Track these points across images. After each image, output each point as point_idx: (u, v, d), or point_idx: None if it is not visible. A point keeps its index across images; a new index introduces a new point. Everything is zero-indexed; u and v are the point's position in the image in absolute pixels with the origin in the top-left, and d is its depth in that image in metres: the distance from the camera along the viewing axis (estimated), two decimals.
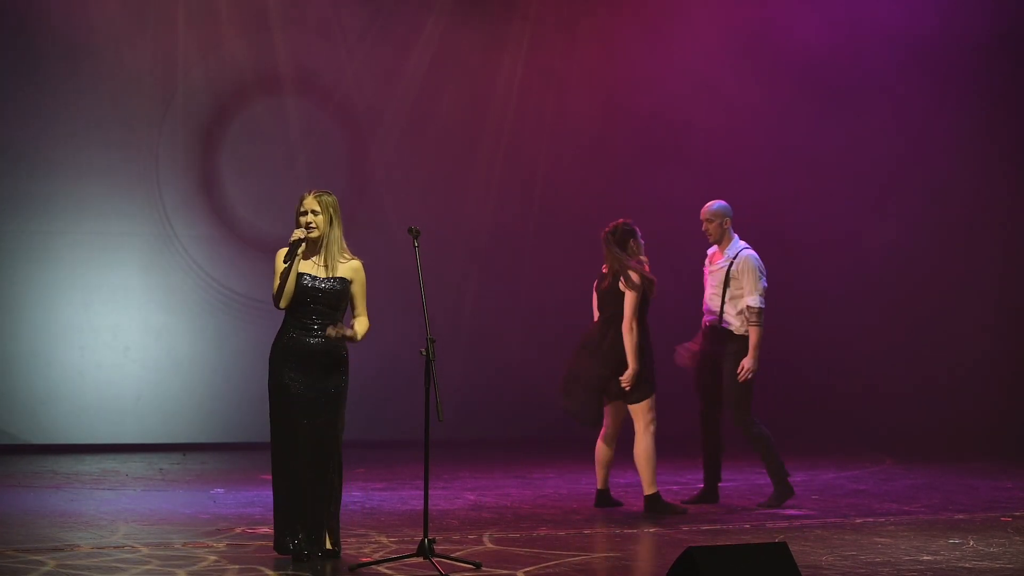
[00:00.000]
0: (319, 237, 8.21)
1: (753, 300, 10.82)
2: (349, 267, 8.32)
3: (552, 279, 16.02)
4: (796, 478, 12.75)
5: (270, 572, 7.83)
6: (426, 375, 8.13)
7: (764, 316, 10.85)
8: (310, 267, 8.20)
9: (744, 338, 10.88)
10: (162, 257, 15.09)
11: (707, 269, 11.25)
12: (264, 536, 9.06)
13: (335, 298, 8.24)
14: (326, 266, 8.23)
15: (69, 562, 8.07)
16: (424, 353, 8.11)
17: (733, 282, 10.92)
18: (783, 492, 10.83)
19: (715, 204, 11.17)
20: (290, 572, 7.84)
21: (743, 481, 12.58)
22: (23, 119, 14.61)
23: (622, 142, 16.47)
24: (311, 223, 8.17)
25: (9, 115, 14.59)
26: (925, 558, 8.45)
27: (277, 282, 8.15)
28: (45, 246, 14.71)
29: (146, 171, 15.03)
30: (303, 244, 8.18)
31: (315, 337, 8.19)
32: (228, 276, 15.25)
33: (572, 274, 15.73)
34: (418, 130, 15.99)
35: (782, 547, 6.78)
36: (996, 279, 16.01)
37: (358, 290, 8.33)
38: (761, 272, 10.94)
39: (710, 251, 11.29)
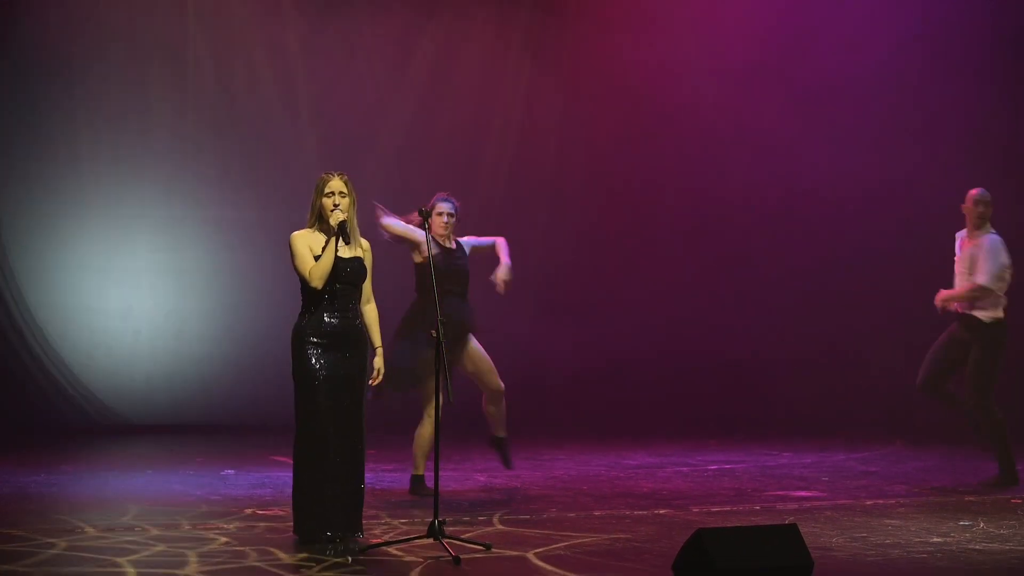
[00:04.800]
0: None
1: (980, 277, 10.96)
2: (363, 246, 8.37)
3: (560, 262, 16.06)
4: (805, 460, 12.78)
5: (280, 553, 7.84)
6: (436, 357, 8.14)
7: (993, 298, 11.00)
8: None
9: (991, 326, 11.00)
10: (173, 239, 15.11)
11: (957, 256, 11.25)
12: (274, 517, 9.07)
13: (359, 276, 8.30)
14: (348, 246, 8.25)
15: (79, 543, 8.09)
16: (435, 335, 8.12)
17: (973, 266, 11.07)
18: (1008, 478, 10.88)
19: (983, 190, 11.20)
20: (302, 554, 7.84)
21: (752, 463, 12.59)
22: (33, 104, 14.64)
23: (634, 136, 16.48)
24: (338, 204, 8.20)
25: (20, 100, 14.61)
26: (935, 540, 8.44)
27: (308, 264, 8.15)
28: (55, 229, 14.74)
29: (156, 154, 15.05)
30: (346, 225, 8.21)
31: (338, 316, 8.22)
32: (238, 258, 15.27)
33: (579, 258, 15.79)
34: (428, 115, 16.00)
35: (792, 529, 6.78)
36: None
37: (368, 270, 8.38)
38: (996, 256, 11.00)
39: (960, 236, 11.26)
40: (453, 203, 10.40)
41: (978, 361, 10.98)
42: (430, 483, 10.10)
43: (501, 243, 10.63)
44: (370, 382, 8.45)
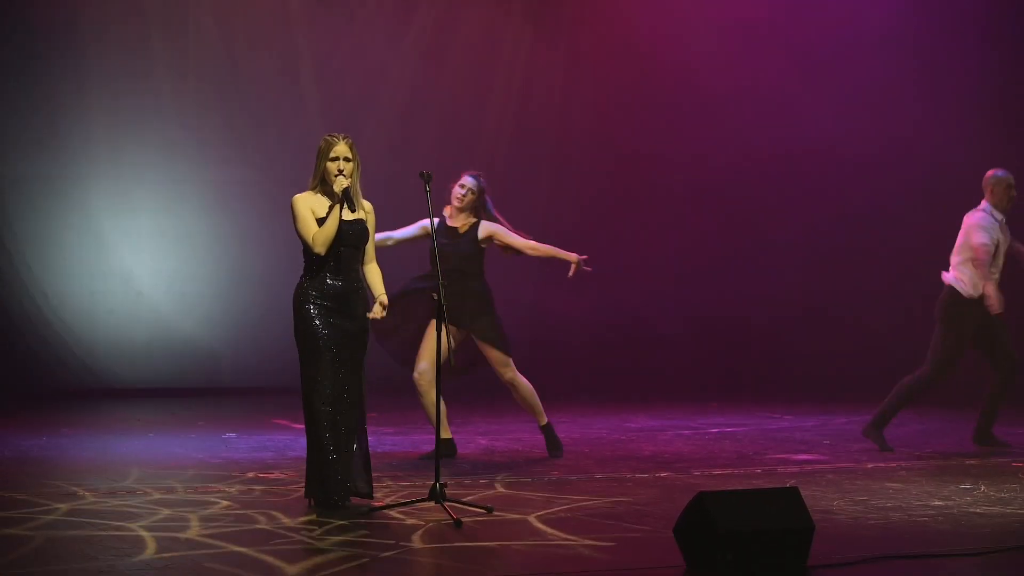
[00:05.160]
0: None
1: None
2: (366, 208, 8.33)
3: (562, 226, 16.03)
4: (807, 423, 12.79)
5: (283, 516, 7.84)
6: (437, 320, 8.13)
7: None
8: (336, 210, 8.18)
9: None
10: (175, 201, 15.10)
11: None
12: (276, 481, 9.08)
13: (361, 239, 8.26)
14: (351, 208, 8.21)
15: (81, 507, 8.09)
16: (436, 298, 8.11)
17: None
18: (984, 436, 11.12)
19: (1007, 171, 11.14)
20: (304, 517, 7.85)
21: (754, 426, 12.60)
22: (33, 65, 14.61)
23: (636, 98, 16.46)
24: (342, 170, 8.15)
25: (24, 64, 14.59)
26: (936, 503, 8.44)
27: (310, 227, 8.10)
28: (58, 191, 14.73)
29: (159, 117, 15.02)
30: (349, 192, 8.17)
31: (341, 279, 8.19)
32: (240, 221, 15.26)
33: (580, 222, 15.78)
34: (431, 78, 15.97)
35: (793, 492, 6.77)
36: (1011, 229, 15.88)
37: (371, 231, 8.34)
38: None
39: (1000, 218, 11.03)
40: (477, 179, 10.29)
41: (1005, 325, 11.00)
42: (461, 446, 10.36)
43: (553, 249, 10.46)
44: (369, 315, 8.33)
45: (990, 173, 11.07)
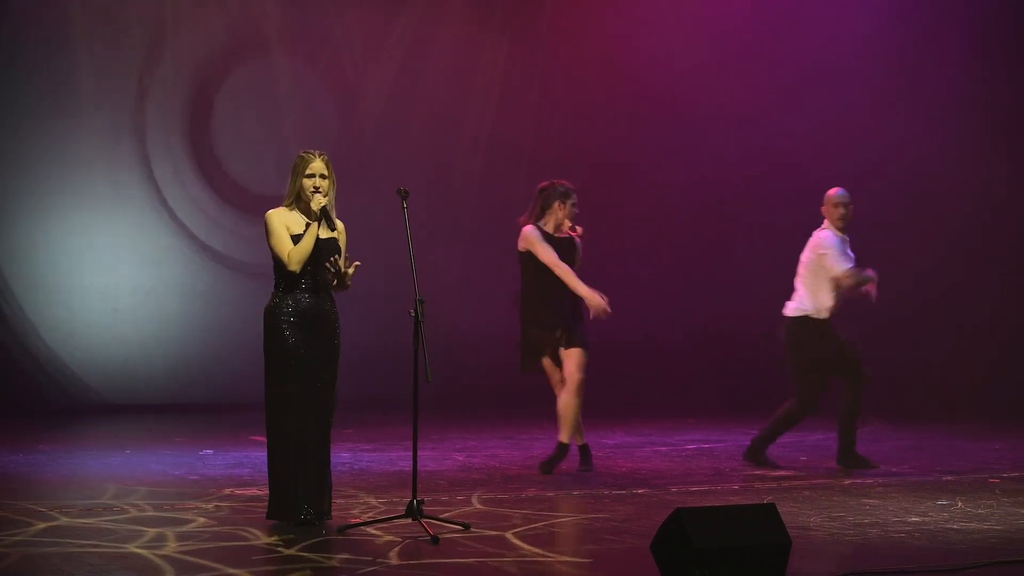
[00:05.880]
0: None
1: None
2: (339, 227, 8.29)
3: None
4: (784, 439, 12.79)
5: (259, 533, 7.83)
6: (415, 336, 8.10)
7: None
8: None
9: None
10: (151, 218, 15.08)
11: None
12: (253, 497, 9.06)
13: (333, 257, 8.22)
14: (330, 227, 8.17)
15: (58, 523, 8.07)
16: (413, 314, 8.09)
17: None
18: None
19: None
20: (280, 536, 7.83)
21: (731, 443, 12.61)
22: (12, 78, 14.58)
23: (613, 112, 16.48)
24: (319, 187, 8.11)
25: (6, 75, 14.59)
26: (913, 519, 8.46)
27: (285, 244, 8.06)
28: (35, 207, 14.69)
29: (136, 133, 15.01)
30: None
31: (313, 297, 8.15)
32: (216, 237, 15.26)
33: None
34: (407, 91, 15.97)
35: (770, 508, 6.77)
36: (993, 241, 15.94)
37: (342, 251, 8.29)
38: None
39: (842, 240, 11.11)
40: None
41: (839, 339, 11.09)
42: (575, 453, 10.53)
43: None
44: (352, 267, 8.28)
45: (828, 192, 11.17)
